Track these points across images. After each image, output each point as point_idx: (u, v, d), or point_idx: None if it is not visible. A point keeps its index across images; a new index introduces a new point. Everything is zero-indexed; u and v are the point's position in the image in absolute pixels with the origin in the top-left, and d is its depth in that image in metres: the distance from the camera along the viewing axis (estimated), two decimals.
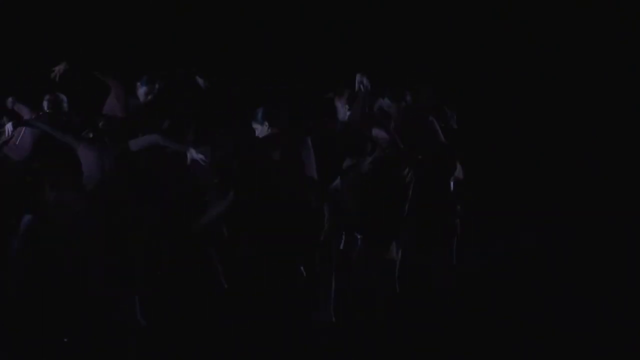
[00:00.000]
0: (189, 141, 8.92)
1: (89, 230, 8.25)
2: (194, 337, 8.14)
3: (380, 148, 9.07)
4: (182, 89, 10.19)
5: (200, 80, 9.79)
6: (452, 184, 9.68)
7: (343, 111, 9.26)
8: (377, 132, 9.15)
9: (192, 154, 8.39)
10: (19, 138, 9.44)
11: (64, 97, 9.57)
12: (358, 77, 9.17)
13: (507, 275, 9.92)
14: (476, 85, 12.72)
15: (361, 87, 9.05)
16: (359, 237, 9.25)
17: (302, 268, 9.10)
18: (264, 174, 8.46)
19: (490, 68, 13.08)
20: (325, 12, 12.97)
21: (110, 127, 8.72)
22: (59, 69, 9.20)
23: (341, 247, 9.24)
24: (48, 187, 8.88)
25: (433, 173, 9.49)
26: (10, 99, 9.53)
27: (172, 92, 10.08)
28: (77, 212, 8.35)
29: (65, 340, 7.96)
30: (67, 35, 12.25)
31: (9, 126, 8.98)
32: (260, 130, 8.49)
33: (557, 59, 13.34)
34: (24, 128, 9.29)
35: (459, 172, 9.76)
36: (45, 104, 9.51)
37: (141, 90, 9.57)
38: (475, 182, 10.23)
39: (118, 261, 8.22)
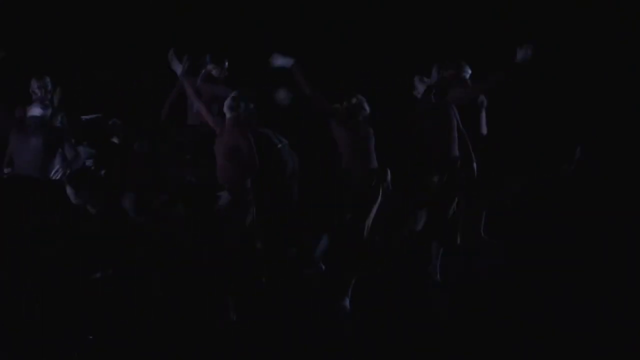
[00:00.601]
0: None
1: None
2: (193, 337, 8.14)
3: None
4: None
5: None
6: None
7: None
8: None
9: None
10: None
11: (47, 77, 9.45)
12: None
13: (507, 275, 9.92)
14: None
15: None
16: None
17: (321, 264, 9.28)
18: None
19: (490, 68, 13.06)
20: (325, 12, 12.96)
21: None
22: None
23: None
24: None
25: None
26: None
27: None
28: None
29: (91, 337, 7.96)
30: (66, 35, 12.25)
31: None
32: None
33: (557, 59, 13.33)
34: None
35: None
36: (37, 91, 9.30)
37: (215, 72, 9.73)
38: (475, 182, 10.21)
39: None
